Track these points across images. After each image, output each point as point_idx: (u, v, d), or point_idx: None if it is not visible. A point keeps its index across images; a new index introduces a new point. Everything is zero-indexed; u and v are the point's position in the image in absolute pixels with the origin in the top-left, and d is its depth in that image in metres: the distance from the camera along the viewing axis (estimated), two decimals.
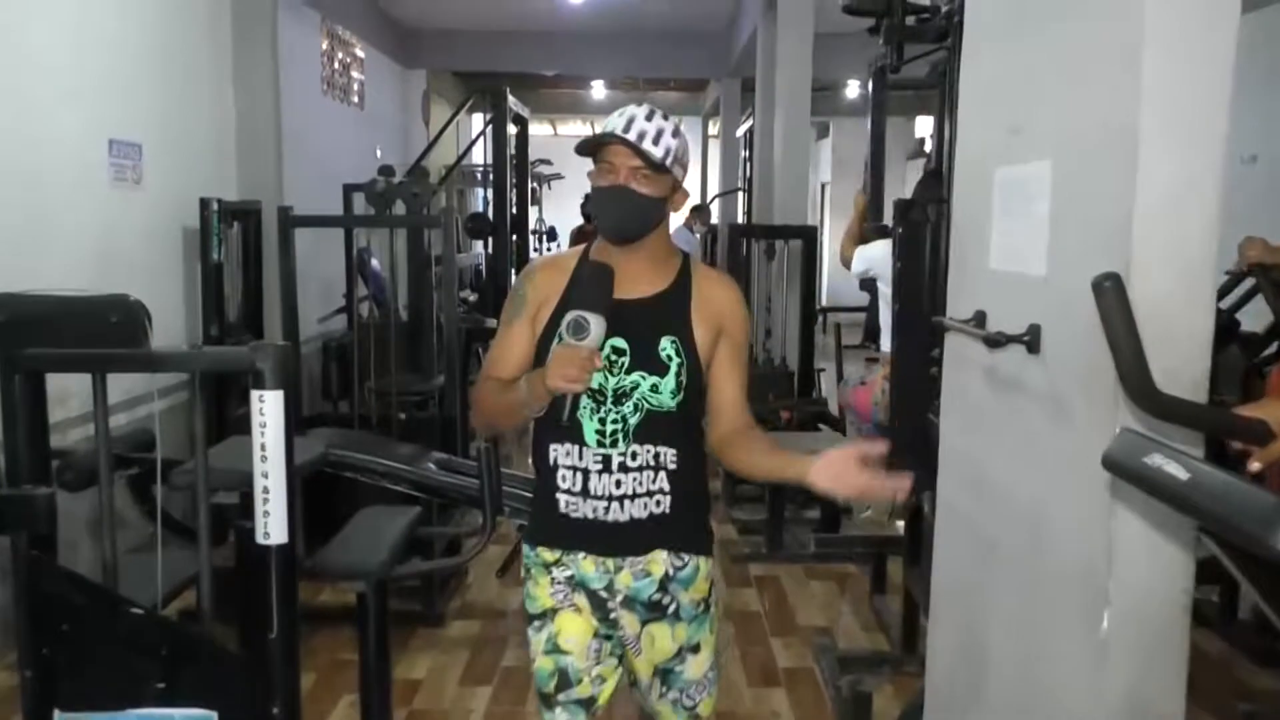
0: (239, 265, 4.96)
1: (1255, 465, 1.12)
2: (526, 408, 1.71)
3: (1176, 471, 1.01)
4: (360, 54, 7.78)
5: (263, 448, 1.83)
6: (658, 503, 1.78)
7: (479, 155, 9.57)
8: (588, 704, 1.83)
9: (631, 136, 1.69)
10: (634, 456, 1.76)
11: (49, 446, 1.86)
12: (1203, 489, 0.99)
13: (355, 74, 7.61)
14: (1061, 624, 1.76)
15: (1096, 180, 1.65)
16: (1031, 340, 1.84)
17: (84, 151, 3.95)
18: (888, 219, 4.66)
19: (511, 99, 7.98)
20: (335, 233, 5.85)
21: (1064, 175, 1.77)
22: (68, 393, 3.14)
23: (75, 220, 3.85)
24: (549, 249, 12.22)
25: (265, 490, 1.86)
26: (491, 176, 8.07)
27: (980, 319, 2.08)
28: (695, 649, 1.86)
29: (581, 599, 1.82)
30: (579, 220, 11.03)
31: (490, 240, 7.67)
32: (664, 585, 1.81)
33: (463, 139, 10.60)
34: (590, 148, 1.76)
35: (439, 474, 3.18)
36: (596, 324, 1.63)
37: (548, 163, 11.73)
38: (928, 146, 12.98)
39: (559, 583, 1.82)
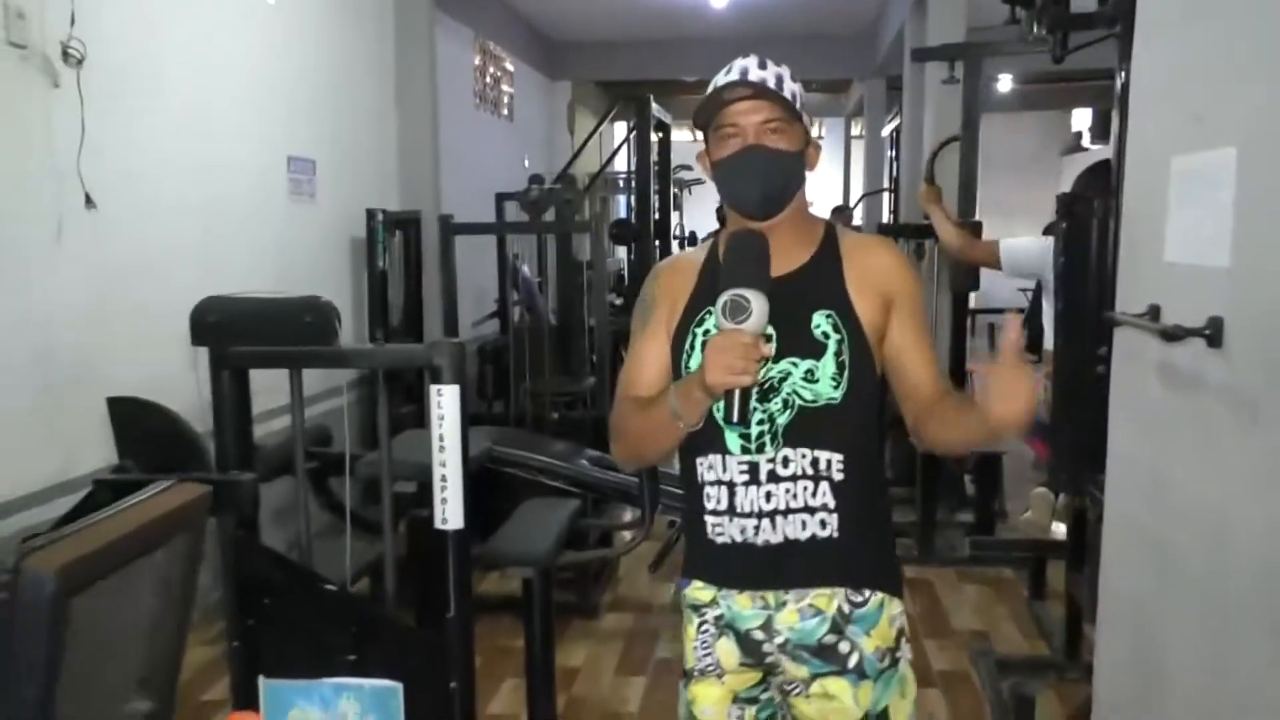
0: (400, 272, 5.22)
1: None
2: (681, 420, 1.43)
3: None
4: (509, 67, 8.06)
5: (440, 439, 1.95)
6: (821, 523, 1.48)
7: (620, 162, 9.75)
8: None
9: (753, 82, 1.46)
10: (785, 463, 1.47)
11: (252, 437, 2.04)
12: None
13: (505, 87, 7.89)
14: (1247, 638, 1.68)
15: None
16: (1213, 334, 1.77)
17: (266, 169, 4.25)
18: (979, 214, 4.51)
19: (655, 106, 8.10)
20: (487, 241, 6.08)
21: (1251, 162, 1.70)
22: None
23: (258, 232, 4.15)
24: None
25: (443, 479, 1.97)
26: (634, 183, 8.22)
27: (1155, 313, 2.01)
28: (884, 717, 1.51)
29: (729, 645, 1.54)
30: (714, 225, 11.08)
31: (633, 246, 7.79)
32: (838, 627, 1.49)
33: (605, 147, 10.82)
34: (709, 111, 1.50)
35: (594, 470, 3.28)
36: (758, 302, 1.33)
37: (688, 168, 11.81)
38: (1085, 141, 12.43)
39: (706, 628, 1.56)
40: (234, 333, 1.99)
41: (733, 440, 1.48)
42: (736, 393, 1.35)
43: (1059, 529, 3.95)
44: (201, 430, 2.16)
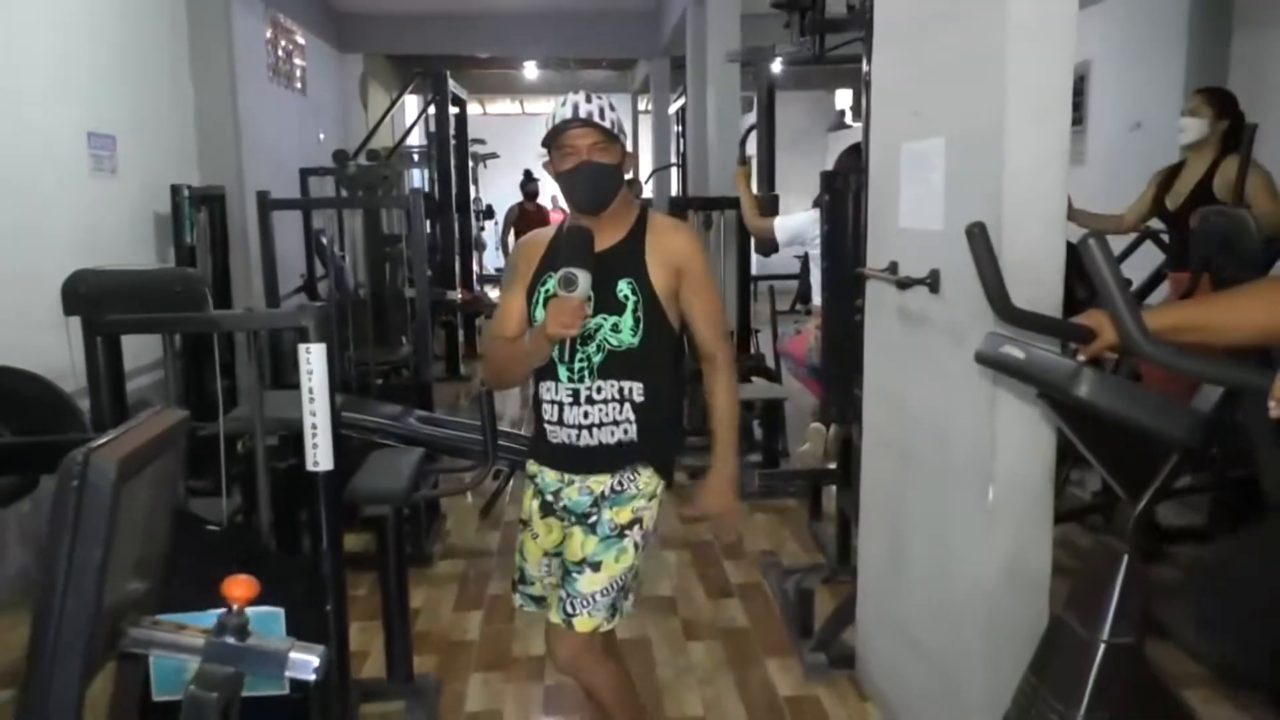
0: (208, 247, 5.22)
1: (1081, 356, 1.58)
2: (533, 357, 2.01)
3: (1018, 353, 1.46)
4: (300, 40, 7.98)
5: (310, 391, 2.22)
6: (624, 431, 2.04)
7: (414, 136, 9.81)
8: (539, 600, 2.20)
9: (582, 118, 1.96)
10: (599, 391, 2.02)
11: (125, 398, 2.21)
12: (1034, 363, 1.45)
13: (297, 60, 7.82)
14: (959, 504, 2.24)
15: (977, 154, 2.11)
16: (933, 282, 2.31)
17: (67, 144, 4.19)
18: (777, 188, 5.21)
19: (451, 82, 8.28)
20: (288, 216, 6.11)
21: (954, 150, 2.24)
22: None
23: (62, 209, 4.10)
24: (483, 227, 12.53)
25: (314, 427, 2.25)
26: (434, 157, 8.37)
27: (893, 268, 2.54)
28: (596, 567, 2.05)
29: (536, 502, 2.14)
30: (517, 198, 11.35)
31: (436, 219, 7.96)
32: (596, 503, 2.06)
33: (398, 121, 10.81)
34: (551, 137, 2.00)
35: (426, 427, 3.56)
36: (583, 277, 1.87)
37: (482, 142, 11.98)
38: (848, 119, 13.52)
39: (533, 491, 2.16)
40: (104, 303, 2.15)
41: (563, 372, 2.03)
42: (567, 341, 1.94)
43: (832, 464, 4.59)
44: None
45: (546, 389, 2.07)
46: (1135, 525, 1.48)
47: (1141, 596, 1.47)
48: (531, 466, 2.18)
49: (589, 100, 1.98)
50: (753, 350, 5.69)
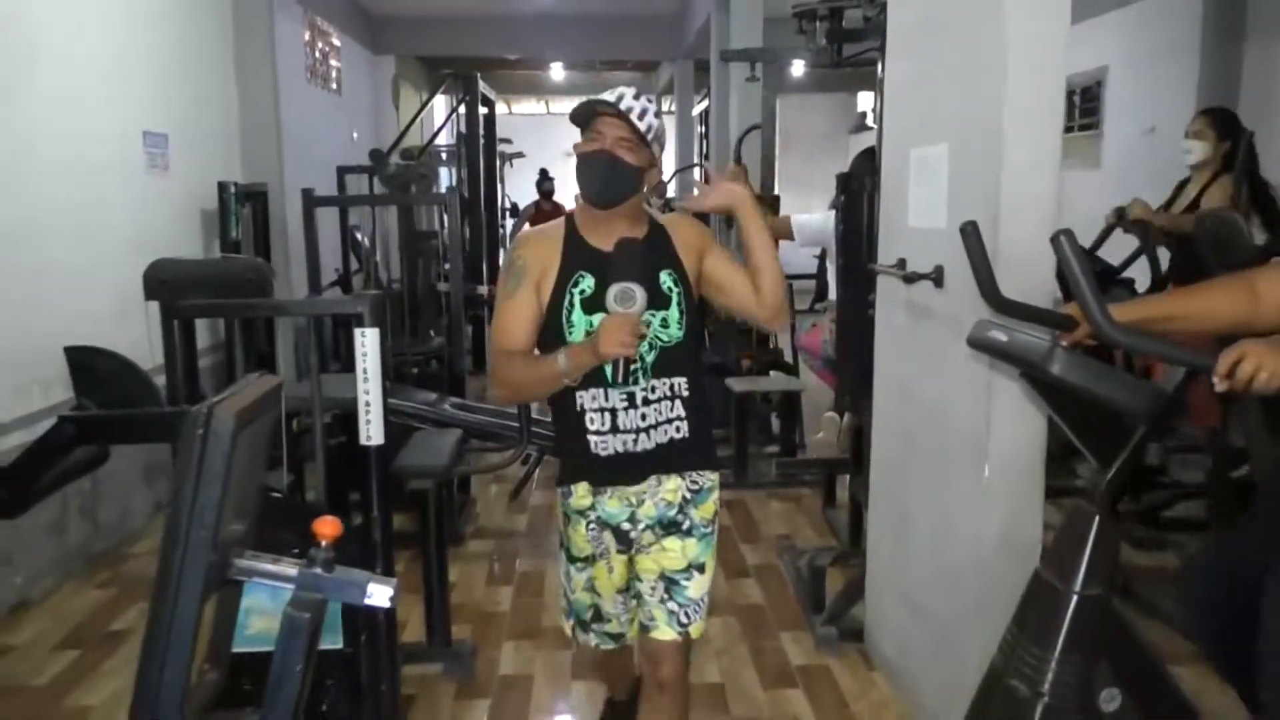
0: (251, 242, 5.47)
1: (1065, 341, 1.77)
2: (568, 377, 1.84)
3: (1001, 336, 1.65)
4: (336, 43, 8.23)
5: (364, 371, 2.44)
6: (677, 429, 1.94)
7: (442, 135, 10.05)
8: (618, 637, 2.12)
9: (619, 108, 1.86)
10: (654, 390, 1.91)
11: (198, 376, 2.43)
12: (1015, 345, 1.64)
13: (334, 62, 8.07)
14: (958, 481, 2.43)
15: (978, 159, 2.30)
16: (937, 277, 2.50)
17: (124, 143, 4.45)
18: (780, 187, 5.43)
19: (481, 83, 8.50)
20: (326, 211, 6.35)
21: (956, 155, 2.42)
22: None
23: (119, 203, 4.35)
24: (510, 224, 12.77)
25: (367, 405, 2.46)
26: (464, 156, 8.59)
27: (902, 264, 2.73)
28: (701, 569, 2.01)
29: (609, 538, 1.99)
30: (532, 195, 11.56)
31: (465, 216, 8.17)
32: (682, 509, 1.98)
33: (426, 120, 11.06)
34: (584, 116, 1.89)
35: (461, 413, 3.78)
36: (640, 293, 1.76)
37: (508, 141, 12.21)
38: (869, 120, 13.68)
39: (593, 527, 1.99)
40: (181, 290, 2.37)
41: (611, 375, 1.86)
42: (621, 360, 1.80)
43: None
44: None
45: (591, 398, 1.92)
46: (1106, 490, 1.66)
47: (1111, 553, 1.66)
48: (580, 498, 2.00)
49: (637, 97, 1.90)
50: (772, 345, 5.87)
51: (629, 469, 1.94)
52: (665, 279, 1.93)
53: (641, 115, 1.88)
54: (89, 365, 2.44)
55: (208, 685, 1.49)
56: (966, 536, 2.40)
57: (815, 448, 4.95)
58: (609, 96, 1.87)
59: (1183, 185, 4.21)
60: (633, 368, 1.88)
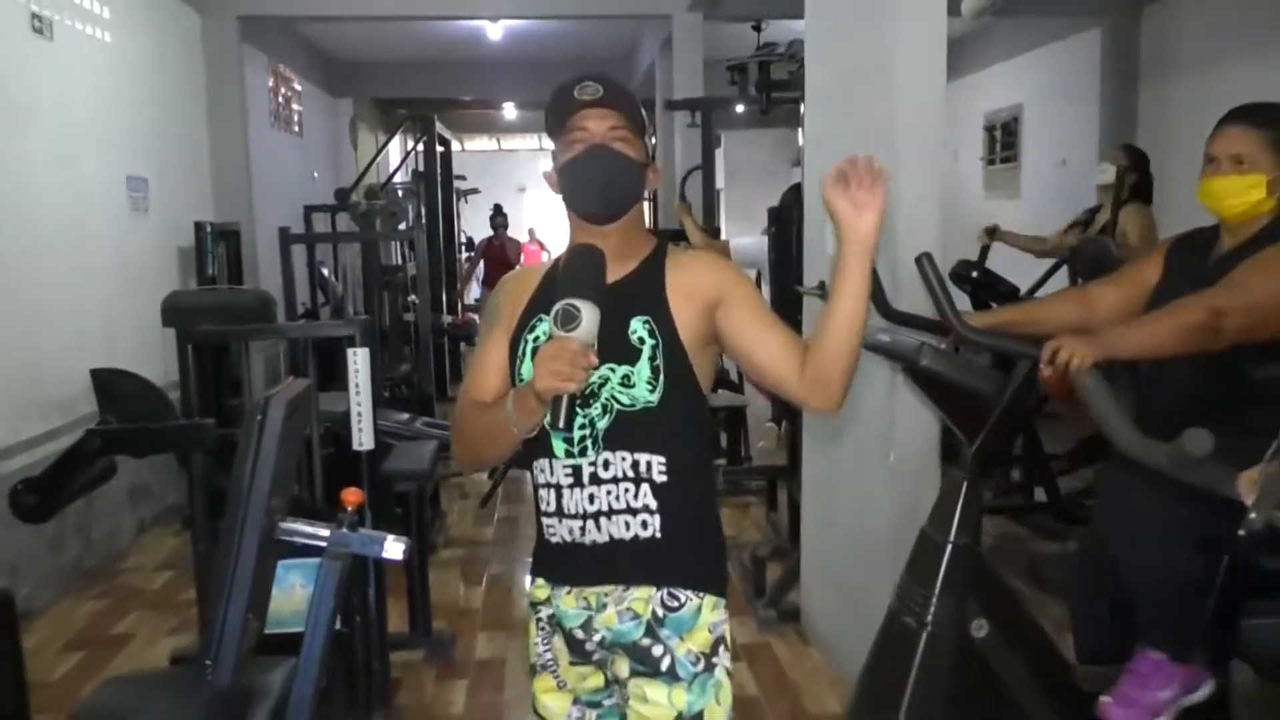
0: (226, 278, 5.78)
1: (945, 342, 2.19)
2: (515, 426, 1.45)
3: (885, 338, 2.07)
4: (298, 87, 8.59)
5: (356, 386, 2.81)
6: (643, 523, 1.49)
7: (397, 174, 10.43)
8: None
9: (600, 98, 1.49)
10: (606, 466, 1.49)
11: (215, 392, 2.77)
12: (895, 345, 2.06)
13: (295, 106, 8.43)
14: (870, 469, 2.85)
15: None
16: None
17: (111, 186, 4.77)
18: (727, 218, 5.97)
19: (437, 123, 8.91)
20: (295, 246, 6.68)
21: None
22: None
23: (106, 242, 4.67)
24: (467, 258, 13.14)
25: (359, 414, 2.83)
26: (422, 194, 8.98)
27: (822, 285, 3.16)
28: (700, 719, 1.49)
29: (559, 642, 1.58)
30: (486, 231, 11.93)
31: (428, 251, 8.54)
32: (652, 630, 1.50)
33: (381, 160, 11.44)
34: (560, 114, 1.52)
35: (434, 430, 4.14)
36: (589, 311, 1.35)
37: (462, 178, 12.61)
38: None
39: (543, 625, 1.61)
40: (194, 316, 2.70)
41: (558, 445, 1.50)
42: (564, 399, 1.37)
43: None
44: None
45: (540, 470, 1.55)
46: (973, 460, 2.08)
47: (976, 511, 2.07)
48: (538, 588, 1.62)
49: (611, 83, 1.52)
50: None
51: (579, 565, 1.54)
52: (637, 327, 1.49)
53: (630, 102, 1.53)
54: (111, 384, 2.75)
55: (252, 631, 1.84)
56: (878, 515, 2.82)
57: (760, 457, 5.36)
58: (584, 88, 1.50)
59: (1094, 211, 4.73)
60: (578, 434, 1.49)
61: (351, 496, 1.78)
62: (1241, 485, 1.38)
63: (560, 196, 1.55)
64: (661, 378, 1.48)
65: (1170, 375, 2.10)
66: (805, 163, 3.43)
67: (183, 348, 2.70)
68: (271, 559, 1.92)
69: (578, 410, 1.47)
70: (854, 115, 2.94)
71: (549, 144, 1.60)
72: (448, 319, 6.94)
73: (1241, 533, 1.30)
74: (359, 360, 2.80)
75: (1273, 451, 1.22)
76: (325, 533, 1.78)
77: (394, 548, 1.81)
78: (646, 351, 1.48)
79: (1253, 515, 1.27)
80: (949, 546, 2.06)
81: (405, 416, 4.28)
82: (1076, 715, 2.10)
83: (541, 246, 14.05)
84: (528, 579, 1.67)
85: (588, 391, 1.47)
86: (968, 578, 2.06)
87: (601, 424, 1.49)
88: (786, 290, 3.75)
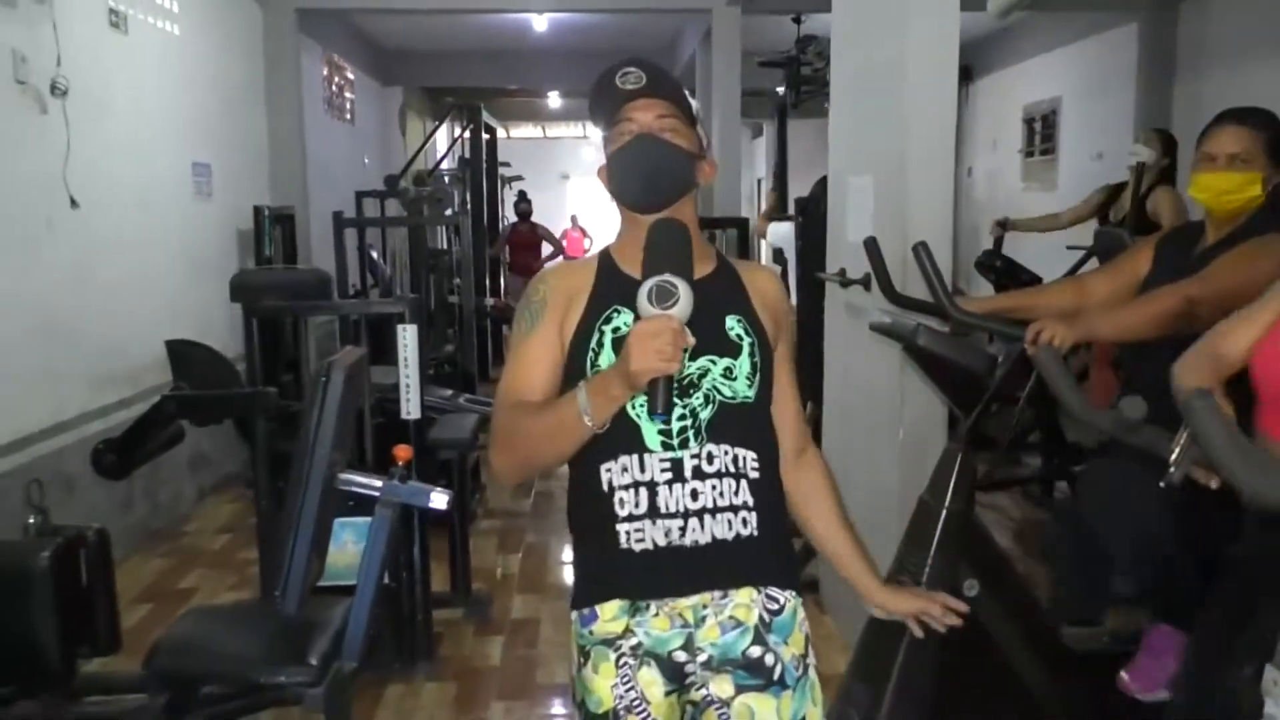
0: (281, 258, 6.08)
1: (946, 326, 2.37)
2: (590, 418, 1.31)
3: (888, 319, 2.26)
4: (350, 76, 8.89)
5: (405, 360, 3.04)
6: (744, 521, 1.42)
7: (444, 160, 10.70)
8: None
9: (650, 87, 1.43)
10: (710, 459, 1.41)
11: (274, 364, 3.03)
12: (896, 326, 2.24)
13: (348, 94, 8.72)
14: (880, 442, 3.04)
15: (893, 189, 2.92)
16: (865, 282, 3.11)
17: (178, 172, 5.07)
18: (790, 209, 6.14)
19: (483, 112, 9.16)
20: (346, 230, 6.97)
21: (878, 184, 3.04)
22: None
23: (174, 225, 4.97)
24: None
25: (408, 385, 3.07)
26: (468, 181, 9.24)
27: (843, 273, 3.34)
28: None
29: (651, 673, 1.42)
30: (539, 218, 12.18)
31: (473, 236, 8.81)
32: (760, 637, 1.45)
33: (428, 147, 11.74)
34: (607, 107, 1.45)
35: (475, 406, 4.39)
36: (685, 290, 1.25)
37: (507, 165, 12.87)
38: None
39: (626, 662, 1.42)
40: (259, 293, 2.95)
41: (652, 437, 1.40)
42: (661, 382, 1.25)
43: None
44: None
45: (622, 469, 1.41)
46: (968, 433, 2.26)
47: (970, 479, 2.25)
48: (608, 621, 1.44)
49: (660, 71, 1.45)
50: None
51: (675, 572, 1.41)
52: (734, 324, 1.47)
53: (681, 92, 1.47)
54: (185, 354, 3.01)
55: (315, 569, 2.08)
56: (889, 485, 3.00)
57: None
58: (631, 76, 1.42)
59: (1120, 188, 4.81)
60: (681, 424, 1.41)
61: (402, 452, 2.02)
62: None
63: (609, 191, 1.48)
64: (759, 375, 1.46)
65: (1154, 356, 2.26)
66: (831, 151, 3.59)
67: (248, 321, 2.95)
68: (332, 505, 2.17)
69: (675, 400, 1.38)
70: (871, 109, 3.10)
71: (593, 131, 1.64)
72: (490, 302, 7.18)
73: (1161, 485, 1.47)
74: (408, 335, 3.03)
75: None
76: (379, 484, 2.02)
77: (439, 498, 2.04)
78: (746, 348, 1.46)
79: (1172, 470, 1.45)
80: (944, 512, 2.25)
81: (449, 393, 4.52)
82: (1059, 668, 2.28)
83: (584, 233, 14.25)
84: (575, 614, 1.47)
85: (686, 381, 1.41)
86: (961, 541, 2.25)
87: (704, 414, 1.42)
88: (812, 274, 3.92)
